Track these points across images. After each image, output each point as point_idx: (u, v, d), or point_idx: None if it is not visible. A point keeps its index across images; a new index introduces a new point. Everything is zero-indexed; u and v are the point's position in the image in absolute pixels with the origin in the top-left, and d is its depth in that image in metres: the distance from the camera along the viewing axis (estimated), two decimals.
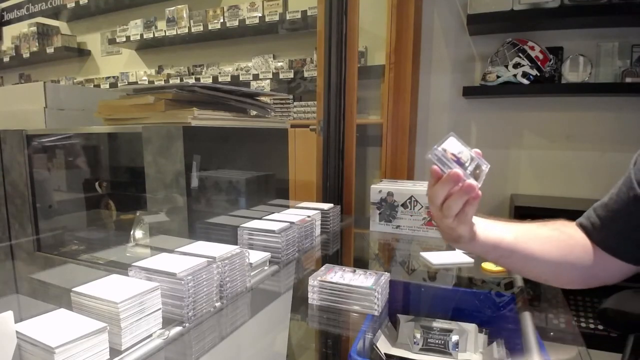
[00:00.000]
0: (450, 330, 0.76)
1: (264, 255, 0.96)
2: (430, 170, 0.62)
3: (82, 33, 4.08)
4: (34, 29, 4.00)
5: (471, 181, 0.59)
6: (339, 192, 1.73)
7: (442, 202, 0.62)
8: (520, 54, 1.99)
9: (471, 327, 0.76)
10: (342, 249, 1.36)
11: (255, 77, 3.06)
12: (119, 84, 3.74)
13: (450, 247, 1.15)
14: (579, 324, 1.72)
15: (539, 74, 1.98)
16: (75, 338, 0.54)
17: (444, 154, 0.60)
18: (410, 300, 0.90)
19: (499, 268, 0.98)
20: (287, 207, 1.37)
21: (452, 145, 0.61)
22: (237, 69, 3.18)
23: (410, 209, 1.37)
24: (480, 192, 0.60)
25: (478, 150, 0.63)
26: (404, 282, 0.90)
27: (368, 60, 2.68)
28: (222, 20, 3.02)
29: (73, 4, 3.63)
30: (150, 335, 0.65)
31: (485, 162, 0.63)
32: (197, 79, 3.29)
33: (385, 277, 0.87)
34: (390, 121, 2.19)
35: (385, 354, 0.72)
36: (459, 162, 0.60)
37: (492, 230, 0.70)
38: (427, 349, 0.75)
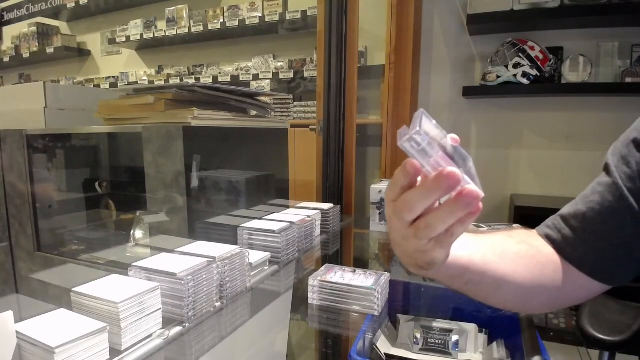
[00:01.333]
0: (450, 330, 0.76)
1: (264, 255, 0.96)
2: (405, 166, 0.39)
3: (82, 33, 4.08)
4: (34, 29, 4.00)
5: (472, 187, 0.37)
6: (339, 192, 1.73)
7: (419, 217, 0.41)
8: (520, 54, 1.99)
9: (471, 327, 0.76)
10: (342, 249, 1.36)
11: (255, 77, 3.06)
12: (119, 84, 3.74)
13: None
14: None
15: (539, 74, 1.98)
16: (75, 338, 0.54)
17: (430, 142, 0.37)
18: (410, 300, 0.90)
19: None
20: (287, 207, 1.37)
21: (431, 130, 0.38)
22: (237, 69, 3.18)
23: None
24: (481, 204, 0.38)
25: (455, 137, 0.40)
26: (404, 282, 0.90)
27: (368, 60, 2.68)
28: (222, 20, 3.02)
29: (73, 4, 3.63)
30: (150, 335, 0.65)
31: (466, 153, 0.40)
32: (197, 79, 3.29)
33: (385, 277, 0.87)
34: (390, 121, 2.19)
35: (385, 354, 0.72)
36: (448, 155, 0.38)
37: (460, 247, 0.52)
38: (427, 349, 0.75)
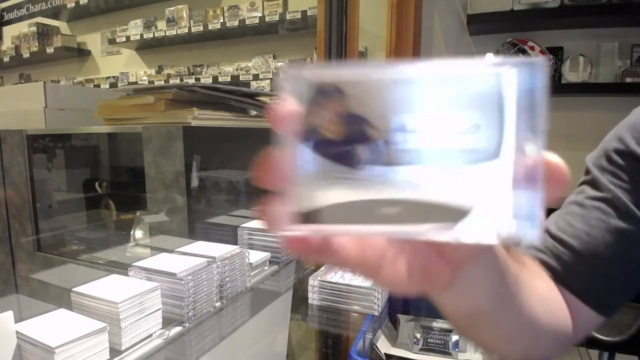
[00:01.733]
0: (450, 330, 0.76)
1: (264, 255, 0.96)
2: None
3: (82, 33, 4.08)
4: (34, 29, 4.00)
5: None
6: None
7: None
8: (520, 54, 1.99)
9: None
10: None
11: (255, 77, 3.06)
12: (119, 84, 3.74)
13: None
14: None
15: None
16: (75, 338, 0.54)
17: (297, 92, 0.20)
18: (410, 300, 0.90)
19: None
20: None
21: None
22: (237, 69, 3.18)
23: None
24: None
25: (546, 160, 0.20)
26: None
27: (368, 60, 2.68)
28: (222, 20, 3.02)
29: (73, 4, 3.63)
30: (150, 335, 0.65)
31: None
32: (197, 79, 3.29)
33: None
34: None
35: (385, 354, 0.72)
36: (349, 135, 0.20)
37: (484, 285, 0.34)
38: (427, 349, 0.75)
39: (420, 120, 0.20)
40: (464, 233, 0.19)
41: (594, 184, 0.50)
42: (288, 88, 0.20)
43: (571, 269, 0.47)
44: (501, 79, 0.19)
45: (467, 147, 0.20)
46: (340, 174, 0.20)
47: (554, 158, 0.21)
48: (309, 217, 0.20)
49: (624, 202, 0.46)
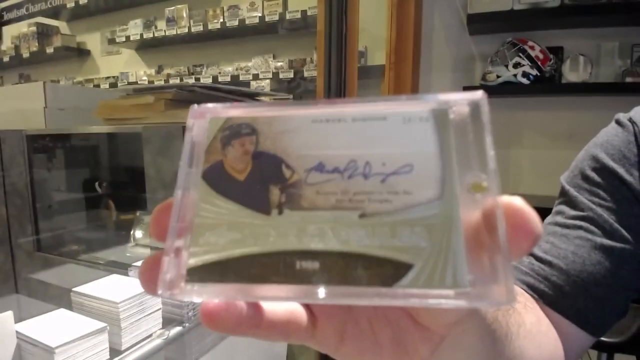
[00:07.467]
0: None
1: None
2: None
3: (82, 33, 4.08)
4: (33, 28, 4.00)
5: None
6: None
7: None
8: (520, 54, 1.99)
9: None
10: None
11: (255, 77, 3.06)
12: (118, 84, 3.74)
13: None
14: None
15: (539, 74, 1.98)
16: (76, 338, 0.54)
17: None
18: None
19: None
20: None
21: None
22: (236, 69, 3.18)
23: None
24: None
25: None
26: None
27: (368, 60, 2.68)
28: (222, 20, 3.02)
29: (73, 4, 3.63)
30: (150, 335, 0.65)
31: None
32: (197, 79, 3.29)
33: None
34: None
35: None
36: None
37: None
38: None
39: (343, 160, 0.18)
40: (405, 294, 0.16)
41: (572, 203, 0.49)
42: (195, 127, 0.20)
43: (562, 291, 0.45)
44: (436, 116, 0.18)
45: (399, 189, 0.17)
46: (251, 220, 0.18)
47: (516, 201, 0.18)
48: (206, 274, 0.17)
49: (606, 220, 0.46)
